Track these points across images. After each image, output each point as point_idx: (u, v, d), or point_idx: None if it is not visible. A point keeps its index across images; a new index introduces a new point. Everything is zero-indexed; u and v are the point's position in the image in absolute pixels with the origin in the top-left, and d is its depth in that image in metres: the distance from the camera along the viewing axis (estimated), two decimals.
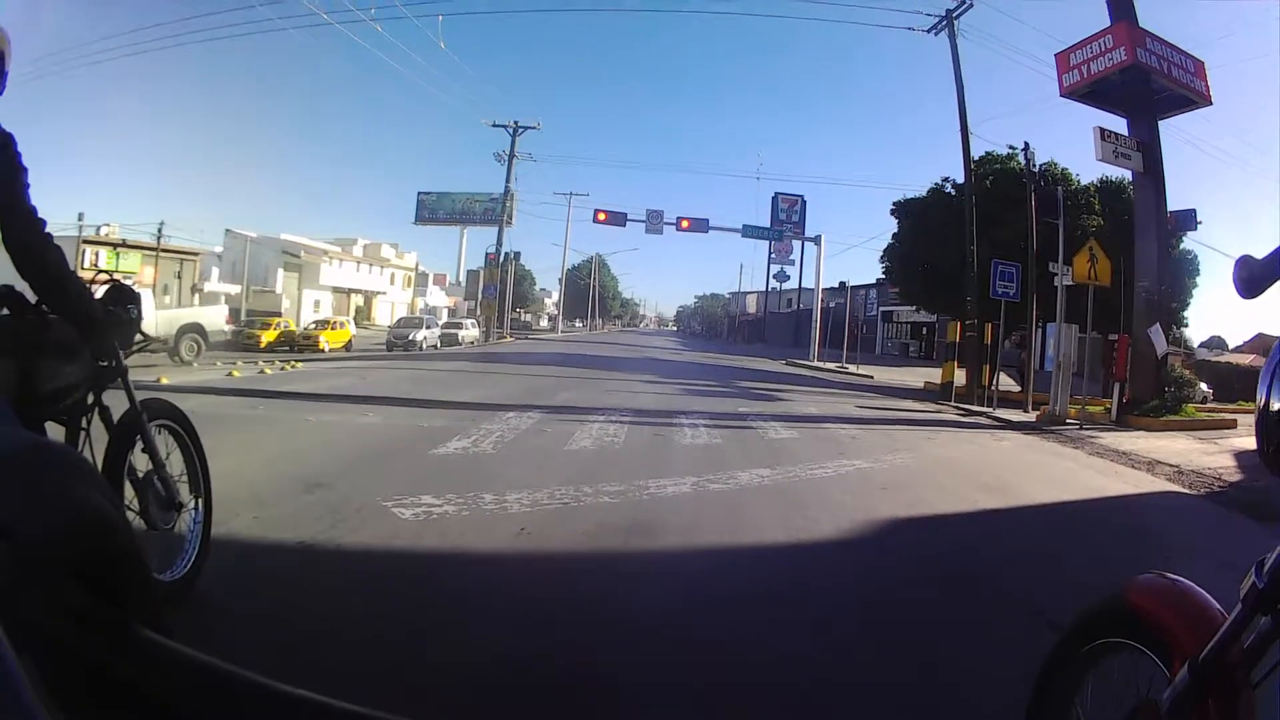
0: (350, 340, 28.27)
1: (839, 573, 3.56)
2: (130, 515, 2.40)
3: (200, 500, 2.83)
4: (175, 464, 2.73)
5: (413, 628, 2.58)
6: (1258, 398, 1.13)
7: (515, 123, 34.75)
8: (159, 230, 33.08)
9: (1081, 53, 12.86)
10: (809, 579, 3.45)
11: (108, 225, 33.92)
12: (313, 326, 28.61)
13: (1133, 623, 1.32)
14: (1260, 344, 34.31)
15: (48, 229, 2.03)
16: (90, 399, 2.31)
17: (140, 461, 2.52)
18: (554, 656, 2.43)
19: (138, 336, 2.57)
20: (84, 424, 2.28)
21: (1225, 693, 1.10)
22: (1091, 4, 13.93)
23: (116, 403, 2.44)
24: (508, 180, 35.32)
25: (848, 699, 2.31)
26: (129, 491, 2.46)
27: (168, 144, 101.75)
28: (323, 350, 24.77)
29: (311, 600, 2.80)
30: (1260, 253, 1.15)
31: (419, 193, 48.37)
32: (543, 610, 2.84)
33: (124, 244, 32.35)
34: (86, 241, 30.46)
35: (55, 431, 2.16)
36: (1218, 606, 1.23)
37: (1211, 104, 12.92)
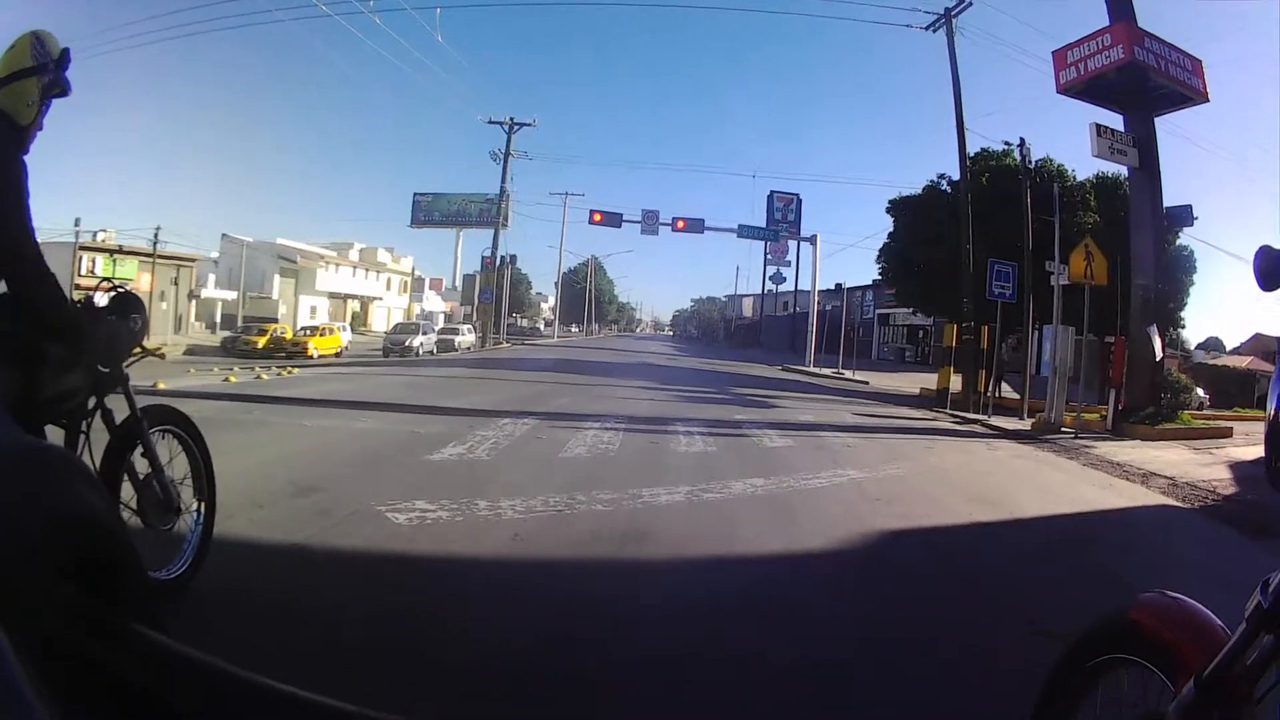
0: (343, 347, 28.14)
1: (830, 583, 3.56)
2: (128, 514, 2.44)
3: (204, 504, 2.87)
4: (180, 468, 2.78)
5: (405, 628, 2.60)
6: (1268, 408, 1.13)
7: (511, 119, 34.27)
8: (155, 236, 32.21)
9: (1079, 50, 12.76)
10: (800, 589, 3.45)
11: (104, 231, 33.08)
12: (303, 333, 28.53)
13: (1137, 639, 1.34)
14: (1259, 345, 34.04)
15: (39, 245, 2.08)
16: (92, 403, 2.36)
17: (143, 465, 2.56)
18: (545, 659, 2.43)
19: (145, 343, 2.65)
20: (84, 428, 2.33)
21: (1231, 708, 1.12)
22: (1091, 5, 13.90)
23: (121, 408, 2.49)
24: (503, 179, 34.96)
25: (840, 706, 2.31)
26: (131, 491, 2.50)
27: (162, 146, 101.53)
28: (311, 356, 24.63)
29: (305, 600, 2.82)
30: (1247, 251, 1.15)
31: (415, 194, 48.23)
32: (534, 614, 2.84)
33: (120, 250, 31.54)
34: (83, 248, 29.88)
35: (56, 435, 2.21)
36: (1220, 624, 1.25)
37: (1209, 101, 12.83)
